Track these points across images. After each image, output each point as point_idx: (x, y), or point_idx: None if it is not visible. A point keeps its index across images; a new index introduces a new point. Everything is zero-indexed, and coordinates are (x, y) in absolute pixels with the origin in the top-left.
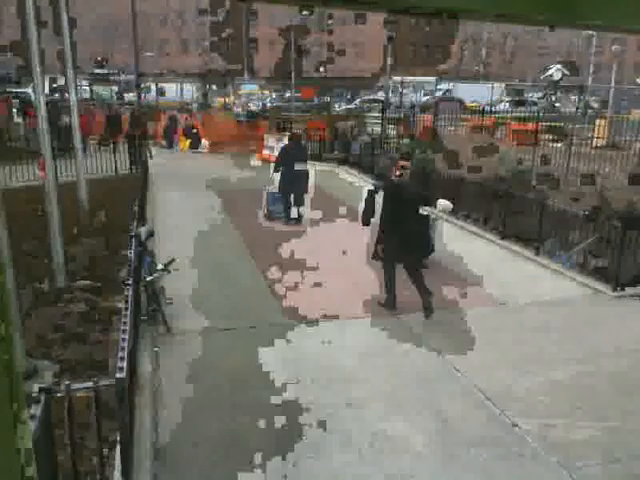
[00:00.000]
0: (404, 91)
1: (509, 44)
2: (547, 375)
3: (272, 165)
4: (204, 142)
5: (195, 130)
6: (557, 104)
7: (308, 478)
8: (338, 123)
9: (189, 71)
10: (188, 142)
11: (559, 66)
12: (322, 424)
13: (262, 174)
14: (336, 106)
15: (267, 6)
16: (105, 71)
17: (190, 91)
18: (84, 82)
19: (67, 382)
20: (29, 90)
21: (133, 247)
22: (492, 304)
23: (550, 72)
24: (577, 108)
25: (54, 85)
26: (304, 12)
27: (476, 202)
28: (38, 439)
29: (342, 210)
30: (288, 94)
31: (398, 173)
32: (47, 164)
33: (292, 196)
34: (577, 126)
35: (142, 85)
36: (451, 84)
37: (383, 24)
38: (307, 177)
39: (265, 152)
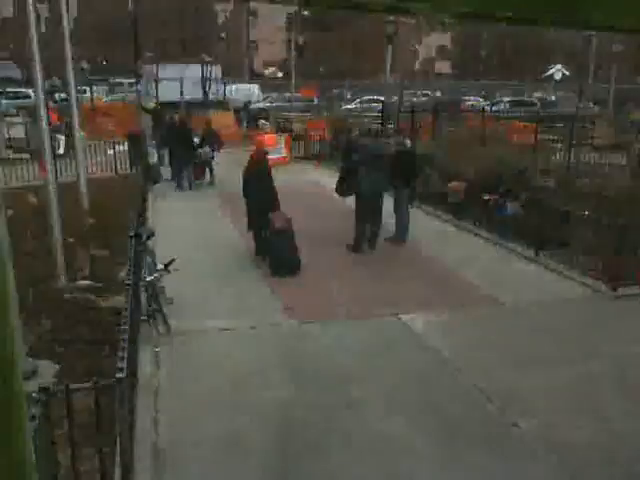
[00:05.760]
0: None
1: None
2: (547, 375)
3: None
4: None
5: None
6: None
7: (308, 478)
8: (337, 124)
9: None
10: None
11: (559, 66)
12: (322, 424)
13: None
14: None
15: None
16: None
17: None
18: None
19: (67, 382)
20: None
21: (133, 247)
22: (492, 304)
23: (550, 72)
24: (577, 108)
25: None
26: (305, 12)
27: (476, 201)
28: (38, 439)
29: None
30: (287, 94)
31: None
32: (47, 164)
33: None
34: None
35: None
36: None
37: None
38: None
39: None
